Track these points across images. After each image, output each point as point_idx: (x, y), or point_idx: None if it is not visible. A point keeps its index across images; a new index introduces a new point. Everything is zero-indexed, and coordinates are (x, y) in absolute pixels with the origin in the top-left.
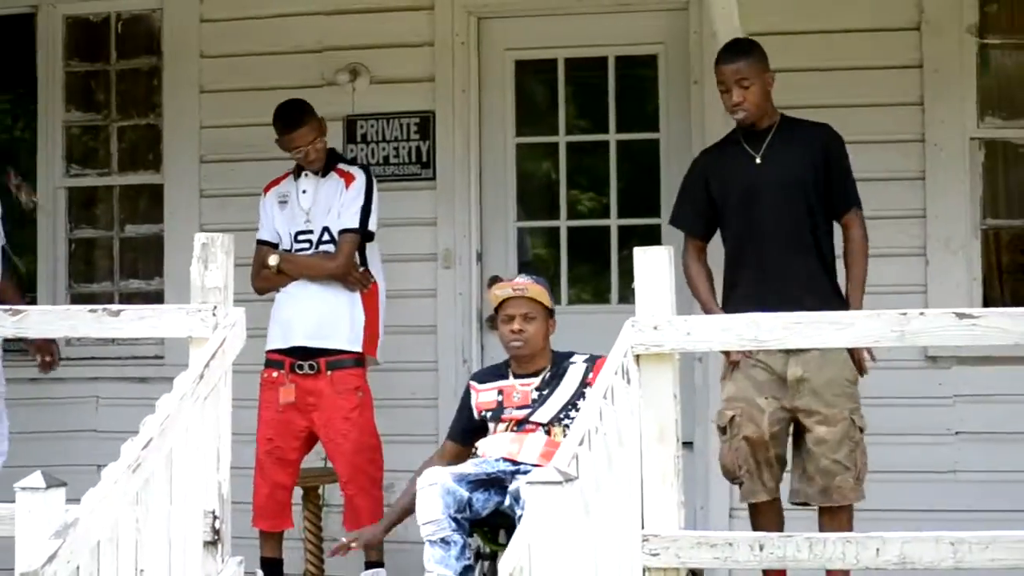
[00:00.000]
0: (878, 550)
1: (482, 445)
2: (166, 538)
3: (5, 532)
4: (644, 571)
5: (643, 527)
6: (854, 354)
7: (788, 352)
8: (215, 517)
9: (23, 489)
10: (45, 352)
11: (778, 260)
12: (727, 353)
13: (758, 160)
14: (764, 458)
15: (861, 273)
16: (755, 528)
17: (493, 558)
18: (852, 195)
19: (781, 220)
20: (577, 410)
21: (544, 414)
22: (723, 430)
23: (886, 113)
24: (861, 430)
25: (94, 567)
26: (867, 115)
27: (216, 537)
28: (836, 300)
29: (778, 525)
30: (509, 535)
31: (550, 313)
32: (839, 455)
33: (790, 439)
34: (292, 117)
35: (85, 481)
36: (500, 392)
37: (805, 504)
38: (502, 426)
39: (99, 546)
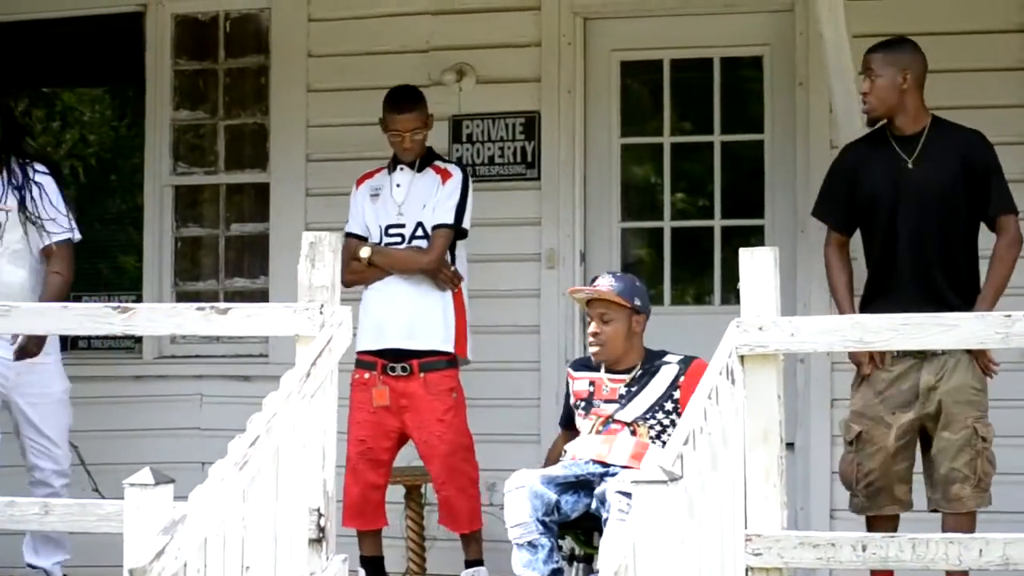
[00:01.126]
0: (981, 551)
1: (571, 447)
2: (272, 535)
3: (114, 528)
4: (747, 571)
5: (746, 527)
6: (979, 359)
7: (922, 359)
8: (320, 515)
9: (132, 485)
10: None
11: (922, 264)
12: (858, 364)
13: (909, 164)
14: (893, 473)
15: (997, 278)
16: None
17: (588, 560)
18: (1003, 199)
19: (929, 224)
20: (664, 412)
21: (629, 413)
22: (849, 443)
23: (992, 115)
24: (984, 439)
25: (201, 563)
26: (974, 116)
27: (321, 535)
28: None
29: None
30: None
31: (635, 311)
32: (958, 463)
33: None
34: (402, 100)
35: (190, 478)
36: (592, 383)
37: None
38: (589, 422)
39: (206, 543)
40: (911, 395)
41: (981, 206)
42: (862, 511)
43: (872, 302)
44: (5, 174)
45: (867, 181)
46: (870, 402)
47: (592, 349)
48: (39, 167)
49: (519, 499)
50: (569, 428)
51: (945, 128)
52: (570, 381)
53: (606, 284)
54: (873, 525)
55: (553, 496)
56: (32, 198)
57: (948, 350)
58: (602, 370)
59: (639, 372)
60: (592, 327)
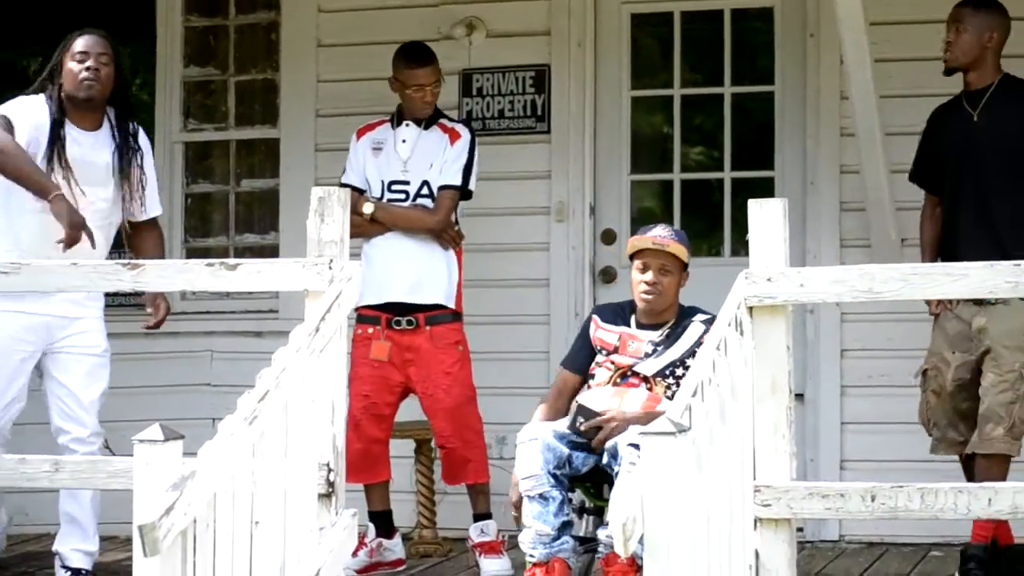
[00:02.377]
0: (990, 500)
1: (582, 398)
2: (281, 490)
3: (123, 485)
4: (756, 521)
5: (755, 478)
6: None
7: (979, 303)
8: (330, 469)
9: (141, 442)
10: (157, 307)
11: (986, 216)
12: (929, 304)
13: (975, 118)
14: (950, 412)
15: None
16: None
17: (599, 513)
18: None
19: (995, 175)
20: (685, 368)
21: (651, 366)
22: (921, 381)
23: None
24: None
25: (211, 519)
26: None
27: (331, 489)
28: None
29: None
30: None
31: (685, 267)
32: (997, 403)
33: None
34: (421, 54)
35: (201, 434)
36: (619, 337)
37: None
38: (606, 371)
39: (216, 498)
40: (968, 337)
41: None
42: (933, 450)
43: (944, 253)
44: (108, 128)
45: (940, 139)
46: (937, 339)
47: (647, 297)
48: (140, 131)
49: (531, 451)
50: (574, 371)
51: (1014, 83)
52: (593, 326)
53: (669, 236)
54: (965, 469)
55: (565, 450)
56: (136, 164)
57: (1005, 298)
58: (633, 325)
59: (669, 330)
60: (650, 276)
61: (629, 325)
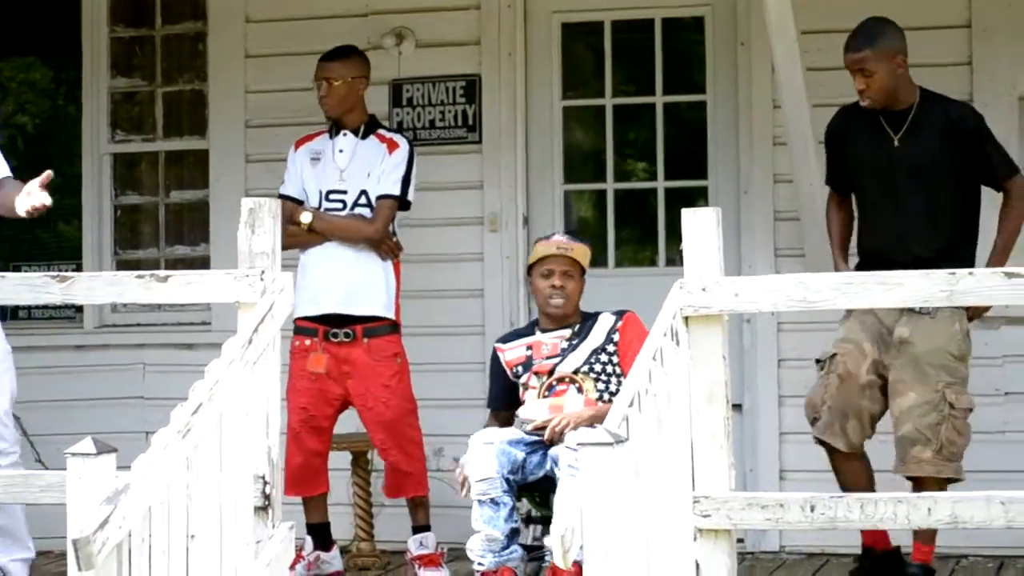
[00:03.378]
0: (929, 510)
1: (523, 413)
2: (217, 503)
3: (56, 499)
4: (696, 532)
5: (694, 489)
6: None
7: (902, 311)
8: (265, 482)
9: (74, 455)
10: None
11: (909, 234)
12: None
13: (896, 142)
14: (853, 403)
15: (1005, 238)
16: (835, 473)
17: (545, 522)
18: (1003, 165)
19: (917, 200)
20: (607, 354)
21: (571, 363)
22: (821, 365)
23: (935, 73)
24: (952, 406)
25: (146, 532)
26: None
27: (267, 502)
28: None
29: (862, 483)
30: None
31: (583, 272)
32: (921, 424)
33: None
34: (334, 50)
35: (133, 448)
36: (529, 347)
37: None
38: (532, 390)
39: (150, 511)
40: (886, 339)
41: (978, 176)
42: (819, 432)
43: (860, 260)
44: None
45: (855, 152)
46: (853, 328)
47: (555, 300)
48: None
49: (487, 454)
50: (498, 408)
51: (933, 103)
52: (500, 355)
53: (575, 244)
54: (836, 469)
55: (520, 455)
56: None
57: (933, 309)
58: (536, 333)
59: (578, 326)
60: (555, 280)
61: (534, 334)
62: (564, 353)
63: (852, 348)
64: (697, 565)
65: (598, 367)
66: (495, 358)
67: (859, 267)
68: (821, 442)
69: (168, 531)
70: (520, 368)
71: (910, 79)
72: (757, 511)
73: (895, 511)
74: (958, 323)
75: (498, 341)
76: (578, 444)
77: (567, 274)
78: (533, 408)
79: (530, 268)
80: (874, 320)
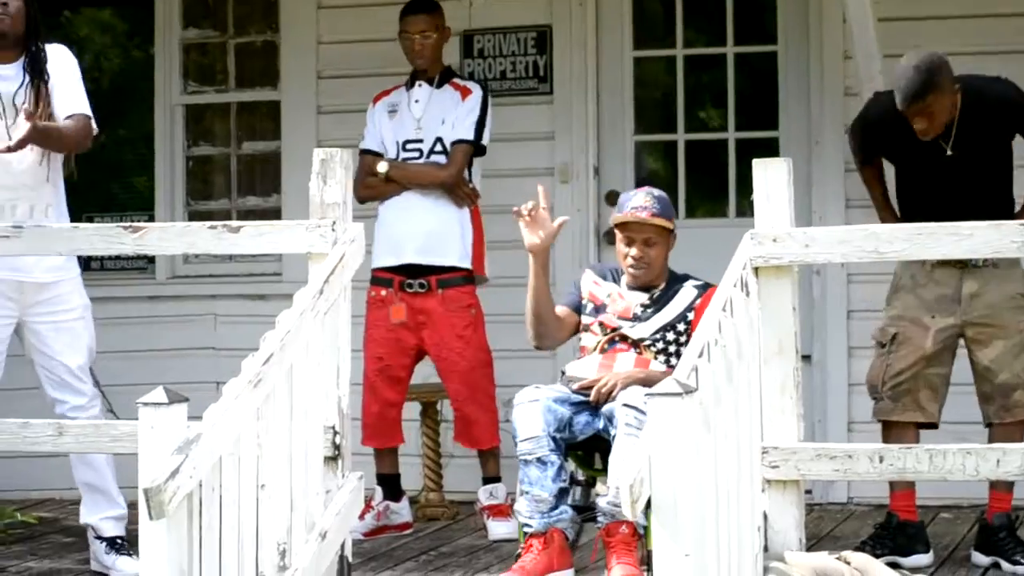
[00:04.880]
0: (999, 461)
1: (570, 368)
2: (287, 453)
3: (128, 449)
4: (764, 483)
5: (762, 440)
6: None
7: (962, 268)
8: (335, 432)
9: (145, 405)
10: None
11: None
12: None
13: (948, 152)
14: (923, 375)
15: None
16: None
17: (589, 484)
18: None
19: (970, 198)
20: (676, 332)
21: (639, 331)
22: (882, 345)
23: None
24: None
25: (216, 482)
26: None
27: (337, 452)
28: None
29: None
30: (604, 460)
31: (672, 232)
32: (1017, 368)
33: (955, 363)
34: (415, 4)
35: (205, 398)
36: (609, 295)
37: (990, 425)
38: (594, 337)
39: (221, 461)
40: (952, 300)
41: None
42: (884, 414)
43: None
44: (22, 63)
45: (901, 154)
46: (909, 304)
47: (635, 271)
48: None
49: (532, 412)
50: (562, 303)
51: (972, 94)
52: (587, 279)
53: (650, 207)
54: (890, 434)
55: (567, 413)
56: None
57: (991, 260)
58: (622, 284)
59: (658, 292)
60: (634, 251)
61: (619, 284)
62: (636, 319)
63: (909, 324)
64: (765, 516)
65: (662, 343)
66: (581, 277)
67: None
68: (881, 422)
69: (238, 481)
70: (591, 306)
71: (957, 99)
72: (826, 462)
73: (964, 462)
74: (1019, 265)
75: (591, 267)
76: (647, 394)
77: (648, 242)
78: (581, 366)
79: (616, 233)
80: (933, 287)
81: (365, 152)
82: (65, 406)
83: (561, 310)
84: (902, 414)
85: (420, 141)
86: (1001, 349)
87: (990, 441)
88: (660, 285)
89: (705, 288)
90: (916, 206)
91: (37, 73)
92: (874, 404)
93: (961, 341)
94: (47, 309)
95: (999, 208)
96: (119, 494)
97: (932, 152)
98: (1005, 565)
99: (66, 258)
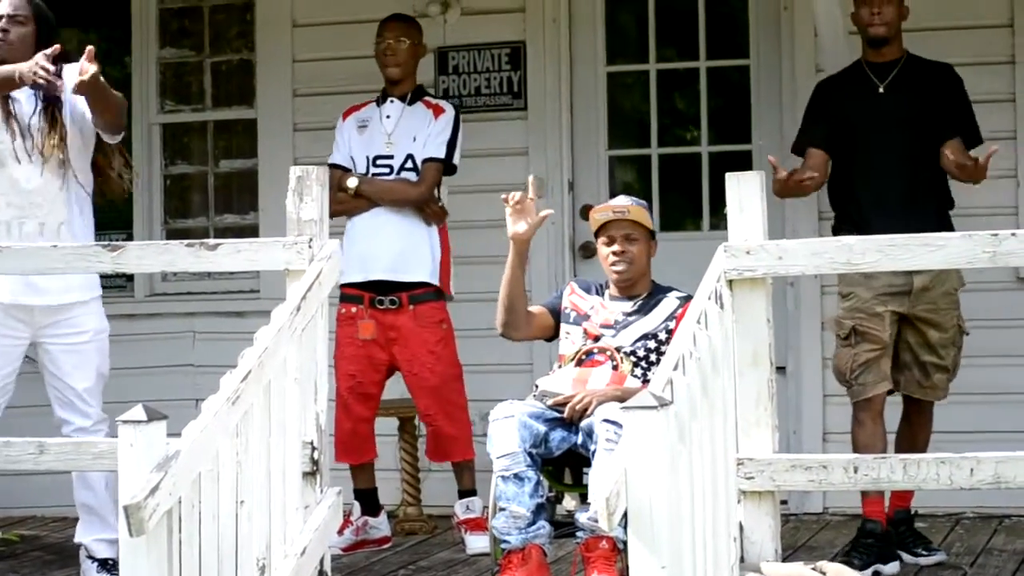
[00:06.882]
0: (972, 470)
1: (543, 383)
2: (265, 469)
3: (108, 467)
4: (740, 494)
5: (737, 451)
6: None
7: None
8: (313, 448)
9: (125, 423)
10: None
11: (890, 185)
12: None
13: (881, 89)
14: (885, 358)
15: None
16: (859, 427)
17: (556, 500)
18: (970, 130)
19: (897, 148)
20: (657, 340)
21: (621, 339)
22: (844, 337)
23: (976, 35)
24: (961, 329)
25: (195, 498)
26: (956, 37)
27: (315, 468)
28: (938, 221)
29: (880, 446)
30: (575, 475)
31: (652, 235)
32: (943, 356)
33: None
34: (394, 15)
35: (183, 415)
36: (592, 306)
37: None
38: (572, 345)
39: (200, 478)
40: (903, 293)
41: (957, 129)
42: (858, 395)
43: (842, 221)
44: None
45: (841, 107)
46: (863, 296)
47: (618, 267)
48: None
49: (508, 428)
50: (541, 305)
51: (918, 62)
52: (568, 290)
53: (631, 204)
54: (862, 411)
55: (542, 428)
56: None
57: None
58: (605, 296)
59: (642, 302)
60: (616, 247)
61: (603, 297)
62: (617, 327)
63: (866, 316)
64: (741, 527)
65: (642, 351)
66: (564, 289)
67: (842, 214)
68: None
69: (218, 497)
70: (573, 315)
71: (902, 37)
72: (801, 473)
73: (938, 471)
74: None
75: (575, 280)
76: (623, 408)
77: (629, 238)
78: (555, 381)
79: (596, 240)
80: (883, 281)
81: (333, 167)
82: (70, 427)
83: (537, 308)
84: (874, 389)
85: (391, 157)
86: (934, 339)
87: (906, 415)
88: (643, 294)
89: (688, 299)
90: (856, 156)
91: (51, 99)
92: (848, 391)
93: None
94: (59, 331)
95: (930, 162)
96: (115, 518)
97: (868, 90)
98: (907, 557)
99: (83, 281)
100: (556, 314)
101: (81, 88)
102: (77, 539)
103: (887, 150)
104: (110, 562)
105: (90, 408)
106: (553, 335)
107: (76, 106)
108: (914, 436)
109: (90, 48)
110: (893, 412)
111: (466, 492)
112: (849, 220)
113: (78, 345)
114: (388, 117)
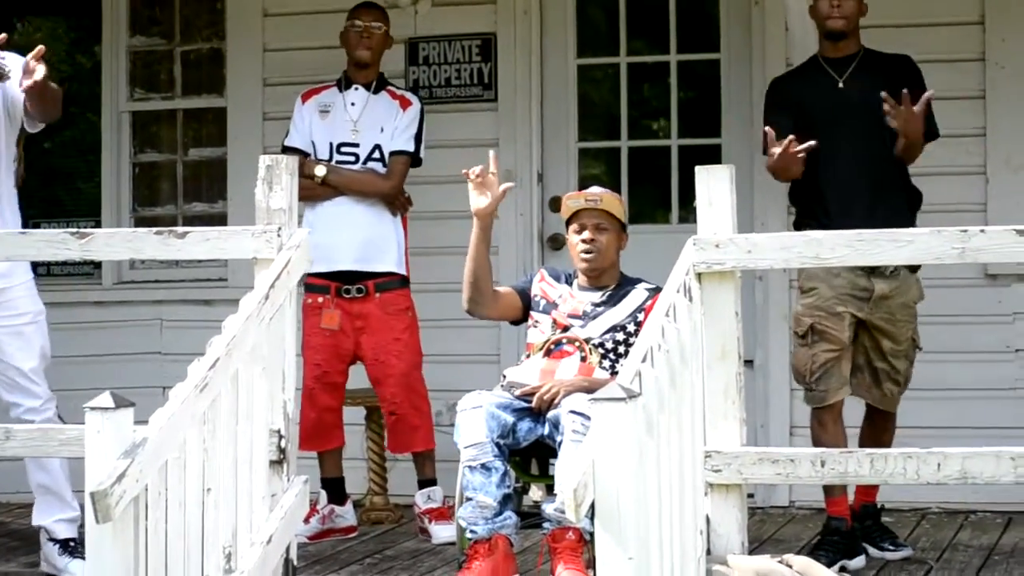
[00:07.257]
0: (939, 465)
1: (511, 373)
2: (232, 457)
3: (75, 453)
4: (707, 487)
5: (705, 444)
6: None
7: (871, 270)
8: (280, 436)
9: (92, 409)
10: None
11: (854, 179)
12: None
13: (840, 84)
14: (844, 359)
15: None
16: (820, 428)
17: (522, 491)
18: (927, 121)
19: (859, 141)
20: (625, 332)
21: (589, 330)
22: (799, 335)
23: (946, 32)
24: (915, 343)
25: (162, 486)
26: (927, 34)
27: (282, 456)
28: (905, 215)
29: (841, 445)
30: (542, 466)
31: (622, 227)
32: (898, 367)
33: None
34: (366, 2)
35: (151, 403)
36: (560, 296)
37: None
38: (541, 334)
39: (167, 465)
40: (862, 298)
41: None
42: (819, 401)
43: (805, 216)
44: None
45: (800, 102)
46: (824, 295)
47: (586, 256)
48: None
49: (475, 419)
50: (517, 293)
51: (875, 55)
52: (538, 278)
53: (604, 193)
54: (824, 413)
55: (510, 419)
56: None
57: (900, 266)
58: (574, 286)
59: (610, 292)
60: (586, 235)
61: (571, 287)
62: (585, 317)
63: (826, 315)
64: (708, 519)
65: (610, 343)
66: (533, 275)
67: (804, 210)
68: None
69: (184, 484)
70: (543, 303)
71: (859, 33)
72: (768, 466)
73: (905, 466)
74: (916, 274)
75: (545, 268)
76: (591, 399)
77: (599, 227)
78: (523, 371)
79: (567, 228)
80: (847, 276)
81: (290, 150)
82: (20, 409)
83: (505, 289)
84: (835, 395)
85: (356, 145)
86: (887, 348)
87: (869, 415)
88: (611, 285)
89: (656, 291)
90: (816, 154)
91: None
92: (806, 392)
93: None
94: (1, 315)
95: (886, 170)
96: (73, 497)
97: (826, 84)
98: (873, 551)
99: (13, 264)
100: (525, 297)
101: (32, 89)
102: (36, 522)
103: (849, 144)
104: (72, 542)
105: (38, 387)
106: (521, 318)
107: (8, 90)
108: (878, 439)
109: (40, 47)
110: (856, 408)
111: (426, 482)
112: (812, 215)
113: (20, 327)
114: (353, 104)
